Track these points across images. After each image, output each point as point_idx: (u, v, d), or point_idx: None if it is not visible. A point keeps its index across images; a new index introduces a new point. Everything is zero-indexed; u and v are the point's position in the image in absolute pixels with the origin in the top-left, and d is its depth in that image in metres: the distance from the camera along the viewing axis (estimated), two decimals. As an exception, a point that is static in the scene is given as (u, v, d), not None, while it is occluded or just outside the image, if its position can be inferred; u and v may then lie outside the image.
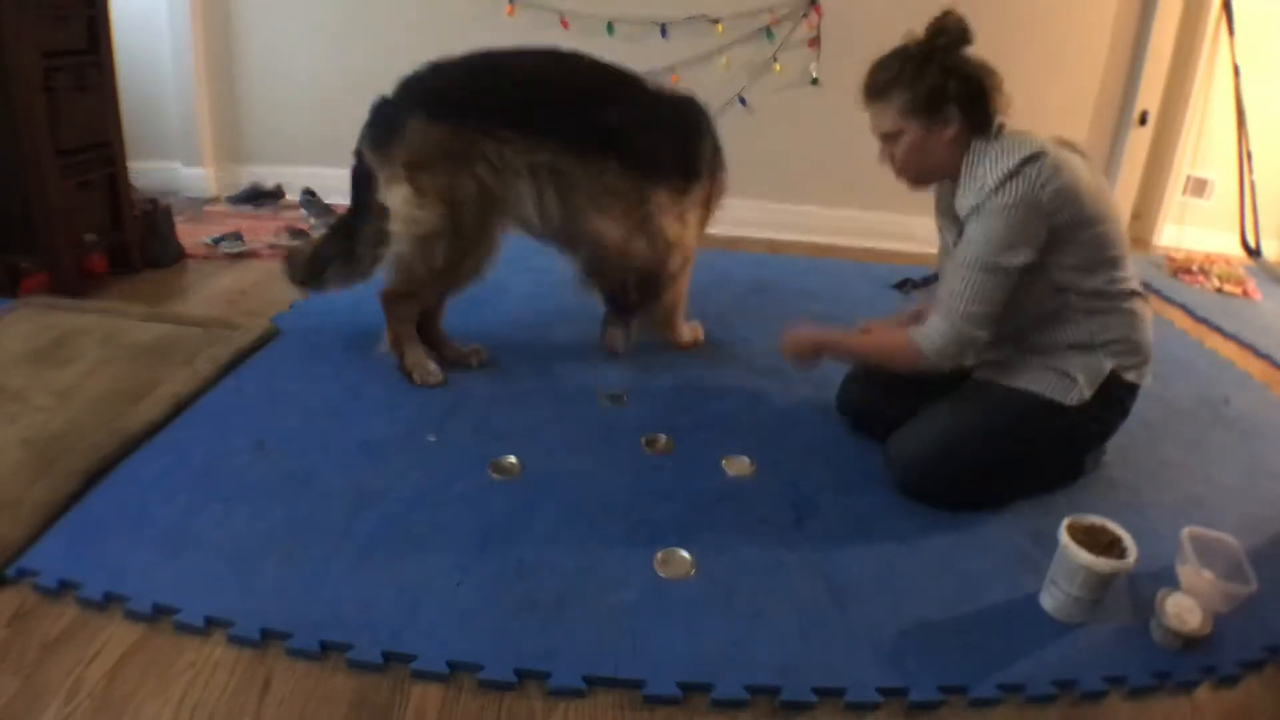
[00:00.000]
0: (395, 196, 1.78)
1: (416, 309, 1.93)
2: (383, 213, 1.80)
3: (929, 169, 1.55)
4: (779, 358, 2.17)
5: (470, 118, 1.77)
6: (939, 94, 1.47)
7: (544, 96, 1.84)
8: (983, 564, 1.42)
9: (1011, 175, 1.41)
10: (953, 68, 1.47)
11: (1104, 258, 1.49)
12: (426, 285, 1.88)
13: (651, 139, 1.89)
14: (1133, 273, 1.55)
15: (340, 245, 1.98)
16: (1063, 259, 1.47)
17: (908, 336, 1.54)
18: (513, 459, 1.63)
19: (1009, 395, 1.56)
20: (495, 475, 1.58)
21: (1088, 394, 1.52)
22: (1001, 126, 1.49)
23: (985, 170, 1.45)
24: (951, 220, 1.57)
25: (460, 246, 1.82)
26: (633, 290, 1.99)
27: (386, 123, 1.80)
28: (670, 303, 2.10)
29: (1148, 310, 1.58)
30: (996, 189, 1.42)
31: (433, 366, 1.93)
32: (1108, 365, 1.52)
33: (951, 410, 1.60)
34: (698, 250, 2.11)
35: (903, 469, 1.59)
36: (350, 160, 1.97)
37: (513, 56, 1.88)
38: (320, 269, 2.00)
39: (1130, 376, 1.55)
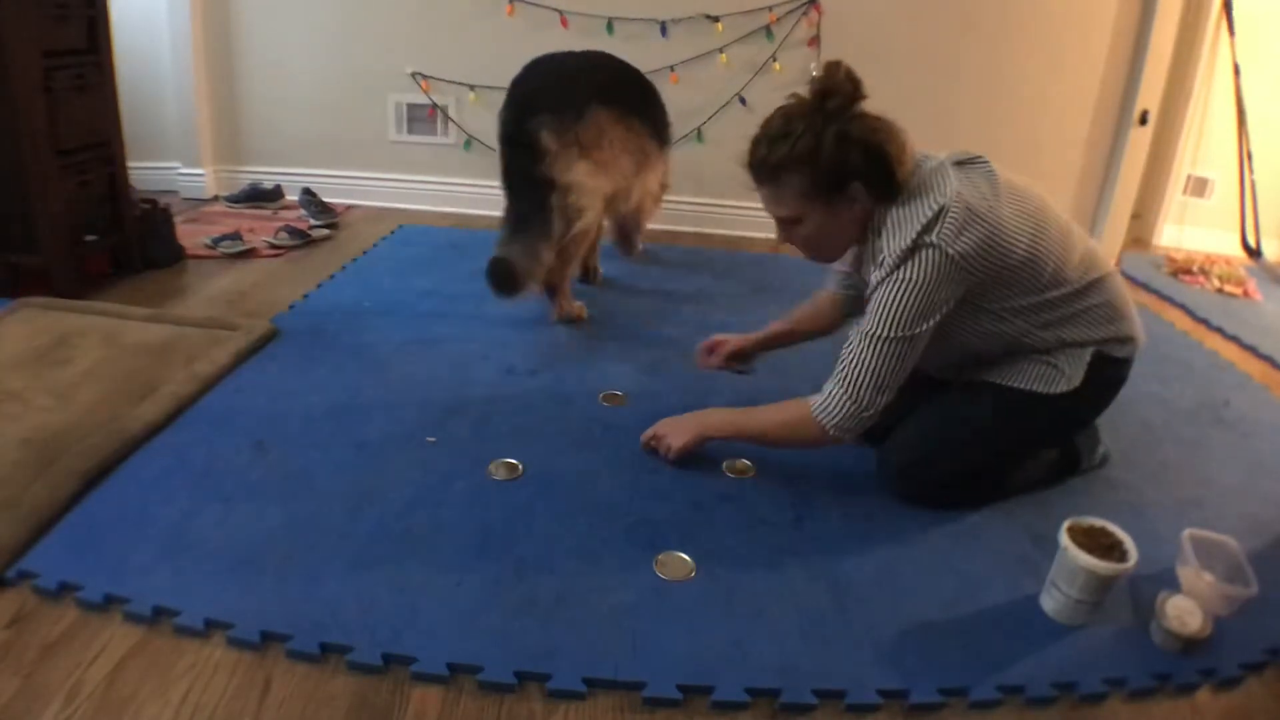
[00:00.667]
0: (578, 171, 2.14)
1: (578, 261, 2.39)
2: (554, 186, 2.12)
3: (838, 248, 1.49)
4: (778, 358, 2.18)
5: (619, 103, 2.24)
6: (840, 172, 1.35)
7: (637, 88, 2.40)
8: (983, 566, 1.42)
9: (913, 250, 1.33)
10: (850, 138, 1.34)
11: (1045, 279, 1.42)
12: (591, 238, 2.43)
13: (658, 117, 2.45)
14: (1086, 265, 1.47)
15: (537, 230, 2.17)
16: (1002, 302, 1.42)
17: (809, 413, 1.44)
18: (513, 460, 1.63)
19: (998, 393, 1.54)
20: (496, 476, 1.58)
21: (1077, 381, 1.49)
22: (908, 177, 1.39)
23: (888, 242, 1.36)
24: (862, 282, 1.51)
25: (605, 201, 2.30)
26: (634, 232, 2.73)
27: (570, 109, 2.13)
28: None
29: (1116, 284, 1.52)
30: (900, 263, 1.34)
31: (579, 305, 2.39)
32: (1090, 351, 1.49)
33: (940, 414, 1.58)
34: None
35: (896, 475, 1.58)
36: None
37: (603, 56, 2.37)
38: (536, 262, 2.18)
39: (1117, 352, 1.51)
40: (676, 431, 1.61)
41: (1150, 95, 3.08)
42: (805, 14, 3.10)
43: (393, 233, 3.12)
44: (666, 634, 1.22)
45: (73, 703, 1.06)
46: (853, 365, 1.40)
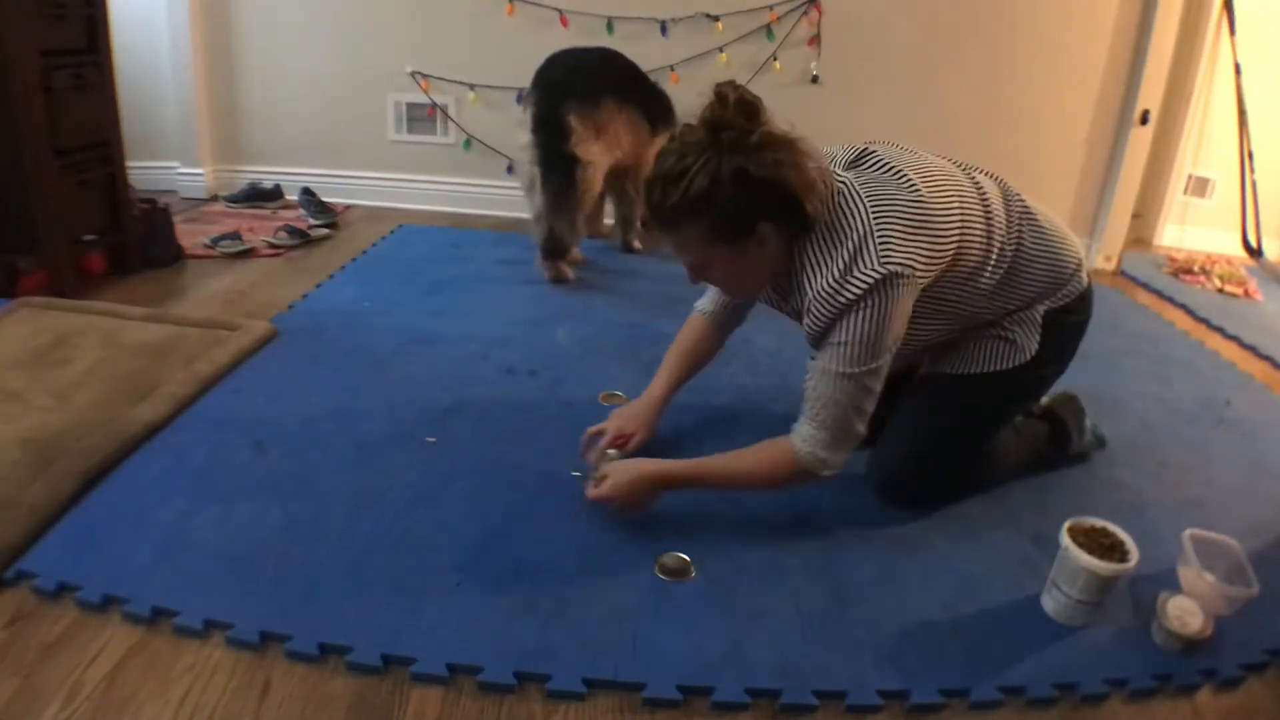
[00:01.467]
0: (593, 149, 2.56)
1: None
2: (577, 161, 2.53)
3: (758, 283, 1.39)
4: (777, 358, 2.17)
5: (622, 93, 2.64)
6: (744, 214, 1.23)
7: (638, 80, 2.75)
8: (983, 566, 1.42)
9: (847, 288, 1.24)
10: (749, 175, 1.20)
11: (977, 255, 1.35)
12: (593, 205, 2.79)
13: (654, 104, 2.77)
14: (1008, 217, 1.39)
15: (573, 200, 2.59)
16: (949, 291, 1.37)
17: (792, 455, 1.35)
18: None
19: (960, 386, 1.51)
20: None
21: (1034, 348, 1.47)
22: (821, 206, 1.28)
23: (810, 281, 1.28)
24: (789, 309, 1.44)
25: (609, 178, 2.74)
26: (635, 199, 2.94)
27: (591, 98, 2.55)
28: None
29: (1045, 223, 1.44)
30: (853, 304, 1.25)
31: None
32: (1039, 310, 1.45)
33: (914, 424, 1.56)
34: None
35: (881, 494, 1.57)
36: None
37: (609, 52, 2.76)
38: (575, 229, 2.66)
39: (1068, 294, 1.46)
40: (624, 488, 1.39)
41: (1151, 95, 3.08)
42: (805, 13, 3.10)
43: (392, 232, 3.11)
44: (666, 634, 1.22)
45: (72, 703, 1.06)
46: (827, 404, 1.32)
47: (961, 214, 1.34)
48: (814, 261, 1.30)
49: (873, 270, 1.24)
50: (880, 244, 1.25)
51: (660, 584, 1.33)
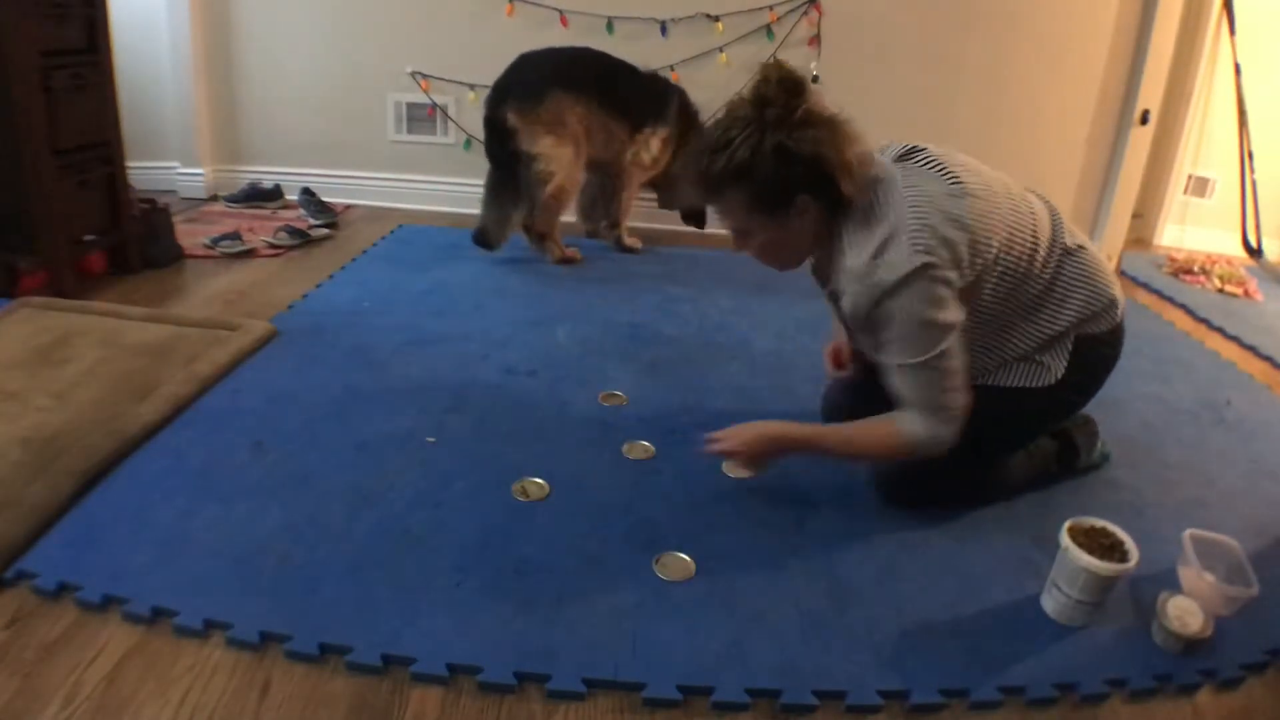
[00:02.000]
0: (542, 142, 2.65)
1: (561, 214, 2.86)
2: (527, 157, 2.66)
3: (796, 255, 1.43)
4: (778, 358, 2.18)
5: (577, 88, 2.70)
6: (783, 186, 1.28)
7: (607, 76, 2.80)
8: (983, 566, 1.42)
9: (902, 283, 1.27)
10: (789, 151, 1.26)
11: (1021, 268, 1.38)
12: (569, 195, 2.81)
13: (630, 101, 2.84)
14: (1053, 240, 1.42)
15: (507, 196, 2.77)
16: (978, 301, 1.38)
17: (899, 437, 1.38)
18: (540, 480, 1.62)
19: (983, 395, 1.49)
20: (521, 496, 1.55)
21: (1061, 372, 1.47)
22: (860, 186, 1.32)
23: (849, 261, 1.31)
24: (829, 293, 1.47)
25: (578, 165, 2.77)
26: (618, 196, 3.00)
27: (532, 95, 2.64)
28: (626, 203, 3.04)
29: (1088, 257, 1.46)
30: (889, 293, 1.27)
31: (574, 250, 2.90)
32: (1071, 338, 1.46)
33: None
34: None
35: (889, 490, 1.57)
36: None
37: (580, 50, 2.82)
38: (505, 224, 2.81)
39: (1101, 326, 1.47)
40: (750, 443, 1.48)
41: (1151, 95, 3.08)
42: (805, 14, 3.10)
43: (392, 232, 3.11)
44: (666, 634, 1.22)
45: (72, 703, 1.06)
46: (909, 394, 1.35)
47: (1006, 225, 1.36)
48: (848, 242, 1.33)
49: (904, 259, 1.27)
50: (913, 235, 1.28)
51: (660, 584, 1.33)
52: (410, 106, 3.35)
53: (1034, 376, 1.49)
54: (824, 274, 1.48)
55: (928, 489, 1.55)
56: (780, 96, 1.26)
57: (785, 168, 1.27)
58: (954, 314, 1.33)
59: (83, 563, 1.29)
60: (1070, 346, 1.47)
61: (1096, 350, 1.49)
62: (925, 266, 1.27)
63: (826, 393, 1.81)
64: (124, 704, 1.07)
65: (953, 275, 1.30)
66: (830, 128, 1.29)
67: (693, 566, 1.37)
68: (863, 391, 1.71)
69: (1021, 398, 1.50)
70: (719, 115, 1.35)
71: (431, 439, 1.70)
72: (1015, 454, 1.61)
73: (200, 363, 1.89)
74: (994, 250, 1.35)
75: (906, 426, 1.38)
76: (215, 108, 3.41)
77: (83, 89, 2.30)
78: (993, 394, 1.50)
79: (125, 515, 1.41)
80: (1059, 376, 1.47)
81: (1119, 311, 1.50)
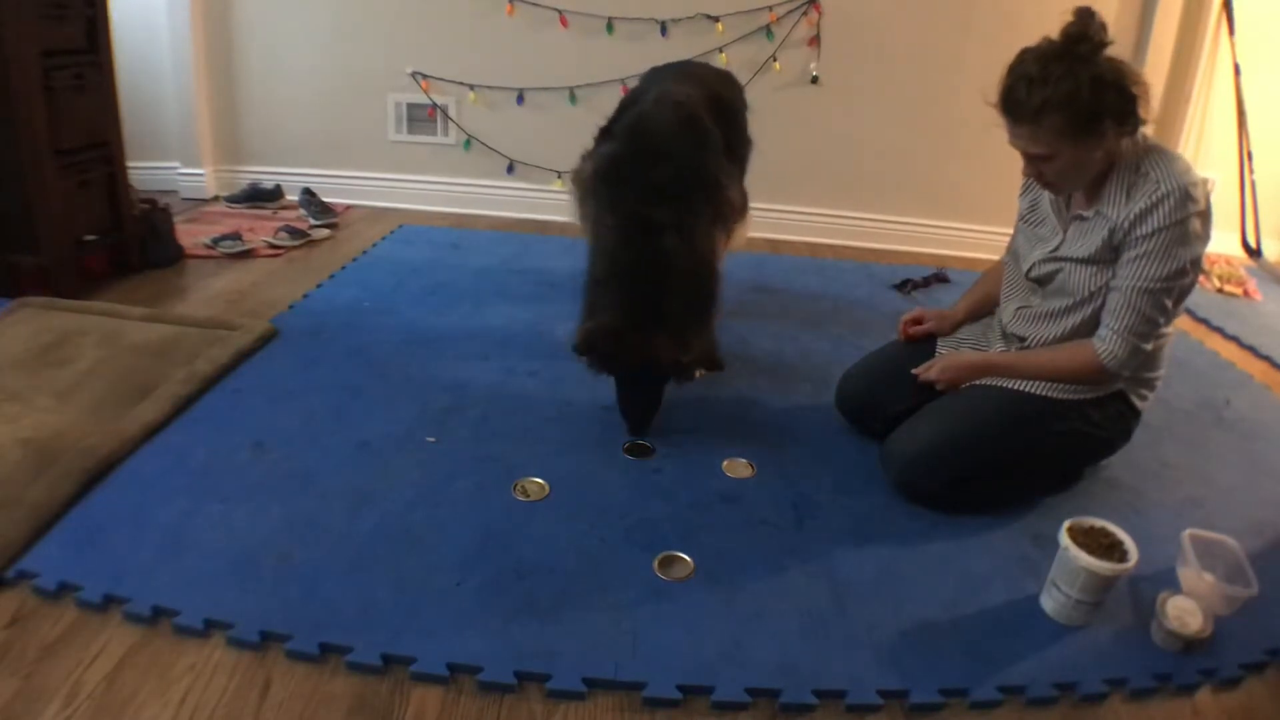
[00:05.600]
0: None
1: None
2: None
3: (1083, 180, 1.50)
4: (778, 358, 2.18)
5: None
6: (1096, 112, 1.39)
7: None
8: (983, 566, 1.42)
9: (1184, 201, 1.38)
10: (1104, 80, 1.38)
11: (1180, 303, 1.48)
12: None
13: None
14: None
15: None
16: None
17: (1095, 358, 1.48)
18: (539, 480, 1.62)
19: (1008, 397, 1.56)
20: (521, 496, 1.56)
21: (1085, 393, 1.52)
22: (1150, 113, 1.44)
23: (1150, 190, 1.41)
24: (1063, 220, 1.55)
25: None
26: None
27: None
28: None
29: (1170, 342, 1.58)
30: (1173, 219, 1.39)
31: None
32: (1116, 386, 1.54)
33: (951, 410, 1.59)
34: None
35: (900, 468, 1.58)
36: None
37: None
38: None
39: (1136, 402, 1.57)
40: (955, 370, 1.63)
41: (1151, 95, 3.08)
42: (805, 14, 3.10)
43: (393, 232, 3.11)
44: (666, 634, 1.22)
45: (72, 703, 1.06)
46: (1132, 316, 1.44)
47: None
48: (1150, 164, 1.44)
49: (1203, 192, 1.40)
50: (1198, 183, 1.41)
51: (660, 584, 1.33)
52: (410, 107, 3.35)
53: (1059, 388, 1.54)
54: (1088, 197, 1.53)
55: (941, 482, 1.55)
56: (1099, 33, 1.40)
57: (1101, 95, 1.38)
58: (1201, 258, 1.43)
59: (83, 563, 1.29)
60: (1107, 392, 1.55)
61: (1124, 409, 1.58)
62: (1209, 215, 1.42)
63: (843, 382, 1.84)
64: (124, 704, 1.07)
65: (1209, 236, 1.43)
66: (1128, 65, 1.43)
67: (693, 566, 1.37)
68: (882, 383, 1.74)
69: (1049, 416, 1.54)
70: (1024, 54, 1.48)
71: (431, 439, 1.70)
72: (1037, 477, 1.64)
73: (200, 363, 1.89)
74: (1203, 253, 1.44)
75: (1106, 348, 1.47)
76: (216, 108, 3.41)
77: (83, 89, 2.30)
78: (1017, 398, 1.55)
79: (125, 515, 1.41)
80: (1081, 395, 1.53)
81: (1152, 396, 1.62)
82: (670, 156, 1.76)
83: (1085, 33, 1.40)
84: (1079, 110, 1.39)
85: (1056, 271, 1.54)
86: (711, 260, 1.79)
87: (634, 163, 1.77)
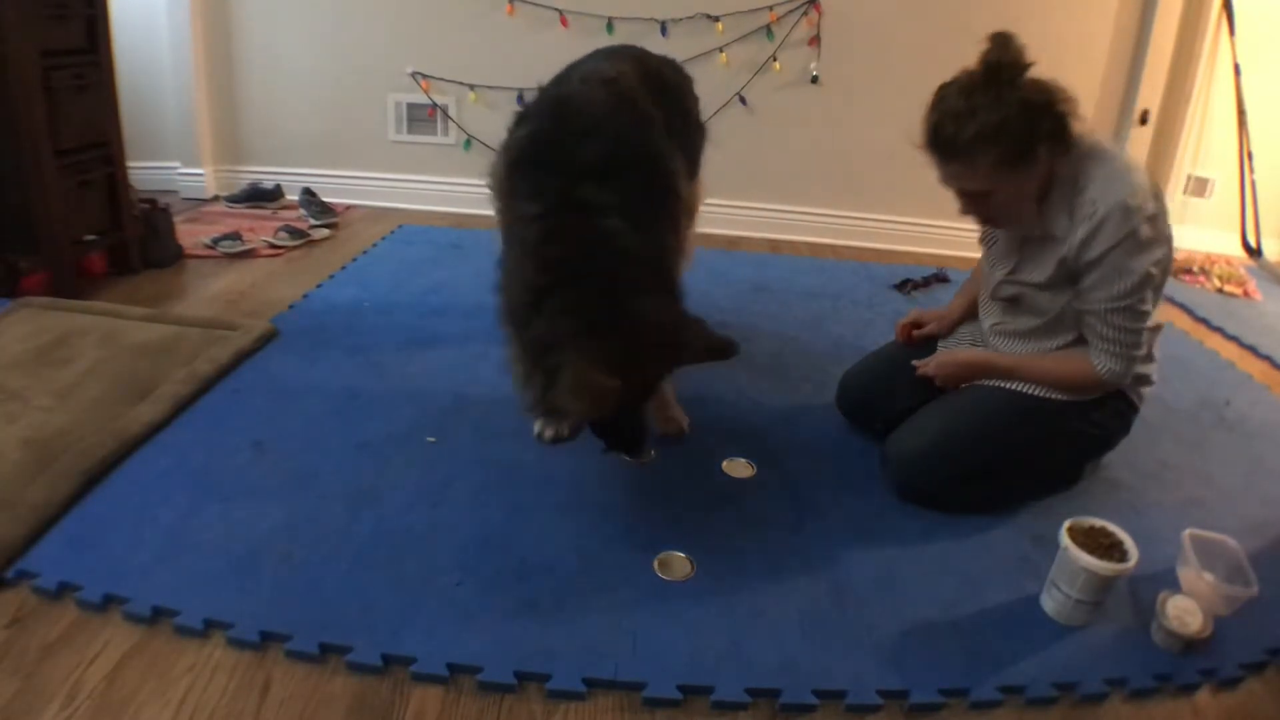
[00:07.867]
0: None
1: None
2: None
3: (1026, 213, 1.46)
4: (777, 358, 2.18)
5: None
6: (1030, 139, 1.35)
7: None
8: (983, 566, 1.42)
9: (1125, 217, 1.35)
10: (1032, 103, 1.35)
11: (1160, 292, 1.47)
12: None
13: None
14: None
15: None
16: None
17: (1092, 371, 1.47)
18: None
19: (1009, 397, 1.56)
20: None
21: (1088, 396, 1.53)
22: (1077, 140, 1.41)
23: (1088, 212, 1.38)
24: (1014, 239, 1.54)
25: None
26: None
27: None
28: None
29: (1159, 334, 1.58)
30: (1118, 237, 1.36)
31: None
32: (1141, 388, 1.55)
33: (952, 410, 1.59)
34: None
35: (900, 467, 1.58)
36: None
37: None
38: None
39: (1133, 396, 1.57)
40: (950, 368, 1.63)
41: (1151, 95, 3.08)
42: (805, 14, 3.09)
43: (393, 233, 3.11)
44: (666, 634, 1.22)
45: (72, 703, 1.06)
46: (1114, 332, 1.43)
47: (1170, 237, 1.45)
48: (1088, 179, 1.40)
49: (1147, 199, 1.37)
50: (1144, 189, 1.38)
51: (660, 584, 1.33)
52: (410, 107, 3.35)
53: (1118, 410, 1.56)
54: (1041, 222, 1.50)
55: (941, 481, 1.55)
56: (1017, 55, 1.36)
57: (1031, 121, 1.34)
58: (1166, 254, 1.41)
59: (83, 563, 1.29)
60: (1140, 393, 1.57)
61: (1122, 406, 1.59)
62: (1159, 214, 1.39)
63: (843, 382, 1.84)
64: (124, 704, 1.07)
65: (1168, 231, 1.41)
66: (1052, 84, 1.39)
67: (693, 566, 1.37)
68: (882, 382, 1.74)
69: (1048, 415, 1.54)
70: (944, 89, 1.44)
71: (431, 439, 1.70)
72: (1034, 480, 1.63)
73: (200, 363, 1.89)
74: (1169, 247, 1.42)
75: (1103, 365, 1.47)
76: (216, 108, 3.41)
77: (83, 89, 2.30)
78: (1019, 398, 1.54)
79: (125, 515, 1.41)
80: (1082, 399, 1.53)
81: (1148, 388, 1.61)
82: (602, 133, 1.42)
83: (1006, 58, 1.35)
84: (1012, 139, 1.35)
85: (1020, 294, 1.55)
86: (666, 254, 1.45)
87: (559, 142, 1.43)
